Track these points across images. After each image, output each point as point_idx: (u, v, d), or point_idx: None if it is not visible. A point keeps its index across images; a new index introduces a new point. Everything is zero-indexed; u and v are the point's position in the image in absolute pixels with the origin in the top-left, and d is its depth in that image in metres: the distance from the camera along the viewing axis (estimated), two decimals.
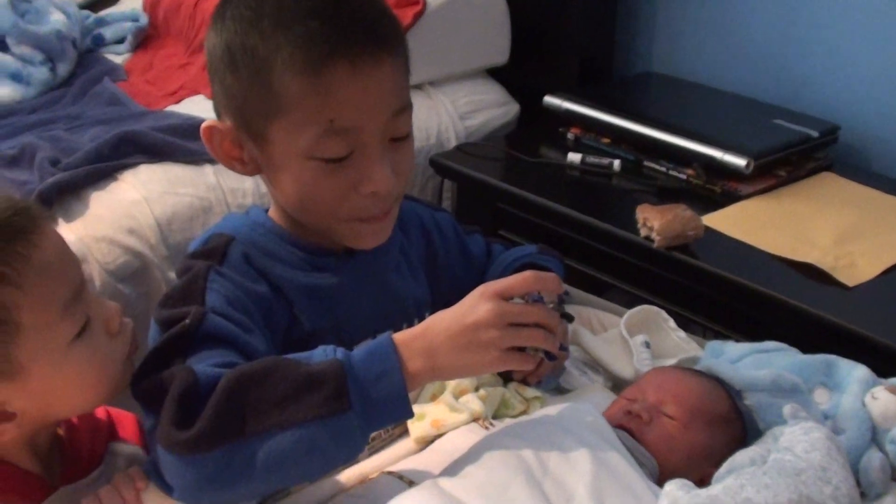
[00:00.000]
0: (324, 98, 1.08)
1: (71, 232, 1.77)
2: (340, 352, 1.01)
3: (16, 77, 2.33)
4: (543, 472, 1.01)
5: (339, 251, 1.26)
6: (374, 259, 1.28)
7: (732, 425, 1.18)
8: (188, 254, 1.23)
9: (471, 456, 1.05)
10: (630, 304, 1.49)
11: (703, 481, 1.10)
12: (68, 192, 1.84)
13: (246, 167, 1.20)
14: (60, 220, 1.80)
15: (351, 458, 1.04)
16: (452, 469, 1.04)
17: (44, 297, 0.95)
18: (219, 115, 1.19)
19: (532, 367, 1.09)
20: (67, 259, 1.00)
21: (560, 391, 1.36)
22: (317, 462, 1.00)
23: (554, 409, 1.18)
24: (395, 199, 1.21)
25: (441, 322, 1.03)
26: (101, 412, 1.20)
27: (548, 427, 1.10)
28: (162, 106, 2.28)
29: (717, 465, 1.11)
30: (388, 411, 1.00)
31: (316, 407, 0.96)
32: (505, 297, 1.04)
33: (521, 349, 1.03)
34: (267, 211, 1.28)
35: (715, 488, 0.97)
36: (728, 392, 1.20)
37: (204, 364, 1.02)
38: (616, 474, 1.02)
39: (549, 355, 1.07)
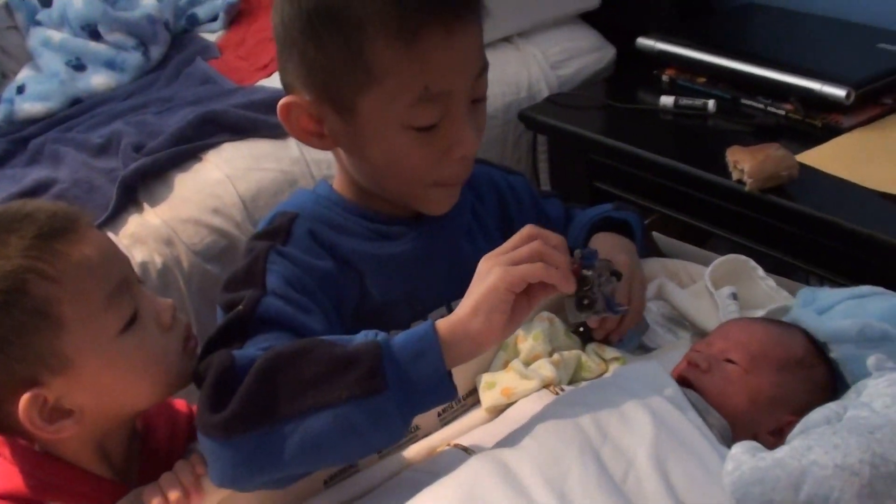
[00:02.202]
0: (419, 65, 1.06)
1: (156, 216, 1.79)
2: (381, 335, 0.98)
3: (110, 64, 2.34)
4: (602, 438, 0.97)
5: (407, 218, 1.25)
6: (444, 224, 1.27)
7: (812, 370, 1.11)
8: (253, 234, 1.23)
9: (529, 425, 1.02)
10: (730, 252, 1.41)
11: (781, 431, 1.05)
12: (151, 177, 1.85)
13: (324, 141, 1.18)
14: (145, 205, 1.82)
15: (392, 442, 1.02)
16: (510, 439, 1.02)
17: (83, 291, 0.97)
18: (289, 89, 1.17)
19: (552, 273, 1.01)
20: (110, 256, 1.02)
21: (644, 349, 1.32)
22: (354, 445, 0.97)
23: (617, 371, 1.15)
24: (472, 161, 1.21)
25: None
26: (184, 408, 1.22)
27: (608, 390, 1.06)
28: (253, 81, 2.26)
29: (801, 412, 1.04)
30: (429, 392, 0.97)
31: (350, 387, 0.93)
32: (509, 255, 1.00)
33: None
34: (332, 185, 1.27)
35: (781, 450, 0.91)
36: (810, 337, 1.14)
37: (256, 347, 1.02)
38: (679, 437, 0.98)
39: (609, 305, 1.05)
